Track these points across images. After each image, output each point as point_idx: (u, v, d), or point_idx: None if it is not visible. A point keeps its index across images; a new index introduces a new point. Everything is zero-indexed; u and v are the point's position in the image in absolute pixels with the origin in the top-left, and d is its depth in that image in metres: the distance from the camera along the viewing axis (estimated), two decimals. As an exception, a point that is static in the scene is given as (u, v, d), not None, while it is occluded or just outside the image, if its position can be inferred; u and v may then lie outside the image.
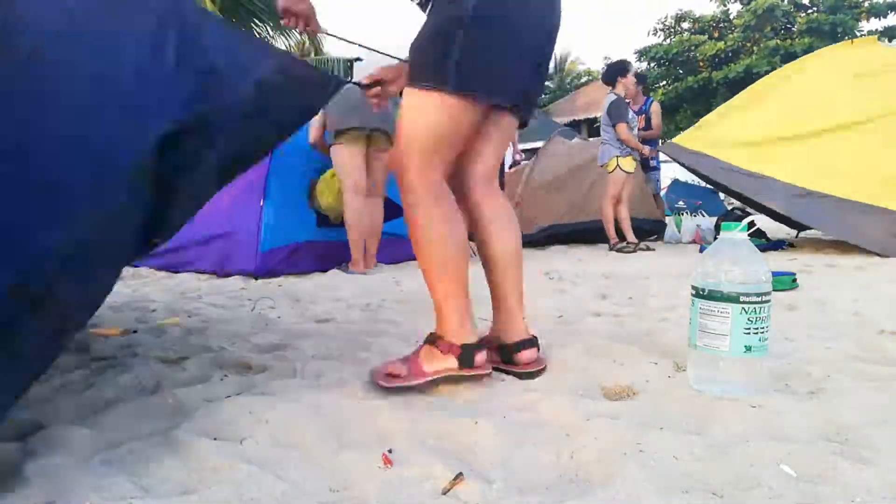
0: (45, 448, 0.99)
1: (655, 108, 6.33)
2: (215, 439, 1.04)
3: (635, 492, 0.84)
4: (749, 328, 1.21)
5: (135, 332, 1.94)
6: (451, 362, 1.32)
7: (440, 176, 1.34)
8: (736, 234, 1.27)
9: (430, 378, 1.30)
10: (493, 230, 1.47)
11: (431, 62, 1.31)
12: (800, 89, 4.50)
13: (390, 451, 0.98)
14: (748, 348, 1.21)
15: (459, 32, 1.27)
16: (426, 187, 1.31)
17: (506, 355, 1.45)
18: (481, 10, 1.27)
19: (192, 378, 1.42)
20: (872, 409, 1.12)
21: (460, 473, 0.89)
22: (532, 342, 1.47)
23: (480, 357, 1.35)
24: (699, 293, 1.27)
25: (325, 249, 3.83)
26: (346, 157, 3.64)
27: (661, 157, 6.27)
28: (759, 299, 1.21)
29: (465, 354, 1.33)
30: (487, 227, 1.47)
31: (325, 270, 3.71)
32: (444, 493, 0.86)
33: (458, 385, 1.33)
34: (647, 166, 6.20)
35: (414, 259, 4.32)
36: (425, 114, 1.31)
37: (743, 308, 1.20)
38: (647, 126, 6.21)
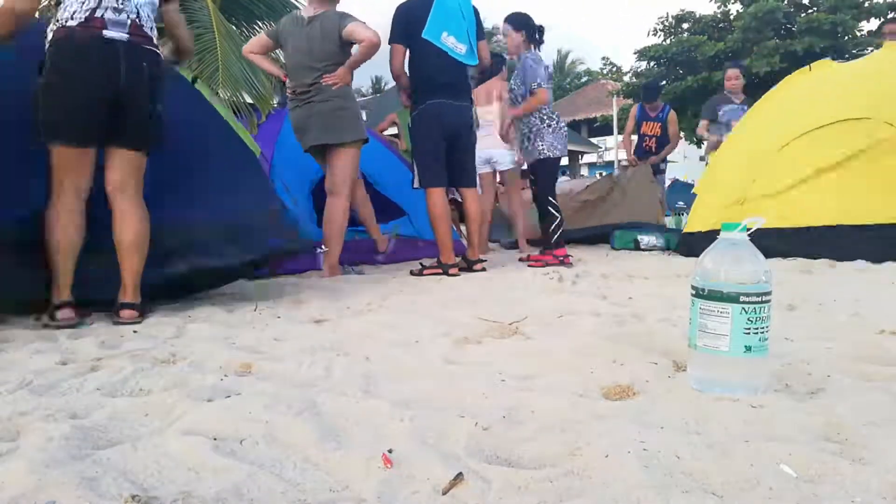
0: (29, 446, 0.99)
1: (672, 117, 6.38)
2: (215, 439, 1.04)
3: (635, 492, 0.84)
4: (749, 328, 1.21)
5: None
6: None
7: None
8: (736, 234, 1.27)
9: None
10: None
11: None
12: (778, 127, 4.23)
13: (390, 451, 0.98)
14: (748, 348, 1.21)
15: None
16: None
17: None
18: None
19: (192, 378, 1.42)
20: (872, 409, 1.12)
21: (460, 473, 0.89)
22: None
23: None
24: (699, 293, 1.27)
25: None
26: None
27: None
28: (759, 299, 1.21)
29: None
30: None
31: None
32: (444, 493, 0.86)
33: (459, 386, 1.33)
34: (657, 171, 6.24)
35: (413, 259, 4.33)
36: None
37: (743, 308, 1.20)
38: (664, 133, 6.25)
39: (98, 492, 0.86)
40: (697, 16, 15.98)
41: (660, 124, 6.25)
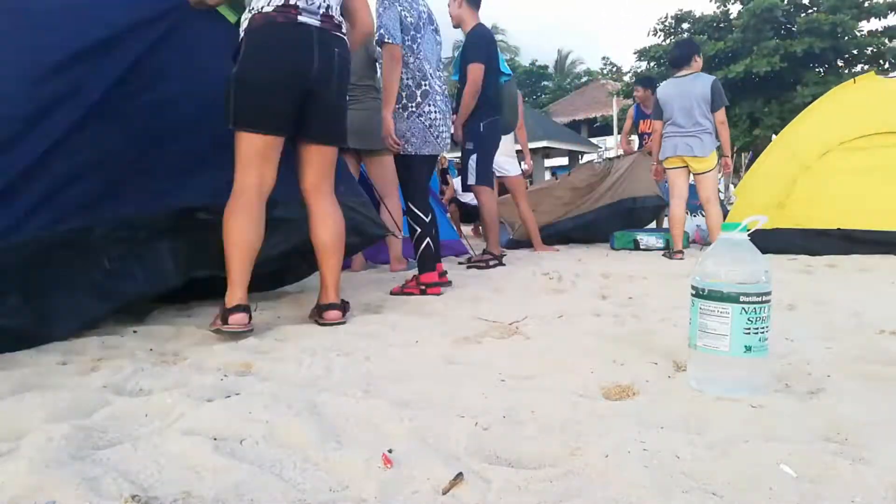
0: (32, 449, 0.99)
1: None
2: (215, 439, 1.04)
3: (635, 492, 0.84)
4: (749, 328, 1.21)
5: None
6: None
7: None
8: (736, 234, 1.27)
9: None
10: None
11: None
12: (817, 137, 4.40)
13: (390, 451, 0.98)
14: (748, 348, 1.21)
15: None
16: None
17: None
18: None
19: (191, 377, 1.42)
20: (872, 409, 1.12)
21: (460, 473, 0.89)
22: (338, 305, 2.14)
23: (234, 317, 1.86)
24: (699, 293, 1.27)
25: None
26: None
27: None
28: (759, 299, 1.21)
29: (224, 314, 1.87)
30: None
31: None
32: (444, 493, 0.86)
33: (459, 386, 1.33)
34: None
35: (412, 259, 4.33)
36: None
37: (743, 308, 1.20)
38: None
39: (98, 492, 0.86)
40: (697, 16, 15.98)
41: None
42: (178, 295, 2.59)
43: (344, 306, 2.16)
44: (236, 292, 1.91)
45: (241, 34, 2.00)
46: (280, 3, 1.96)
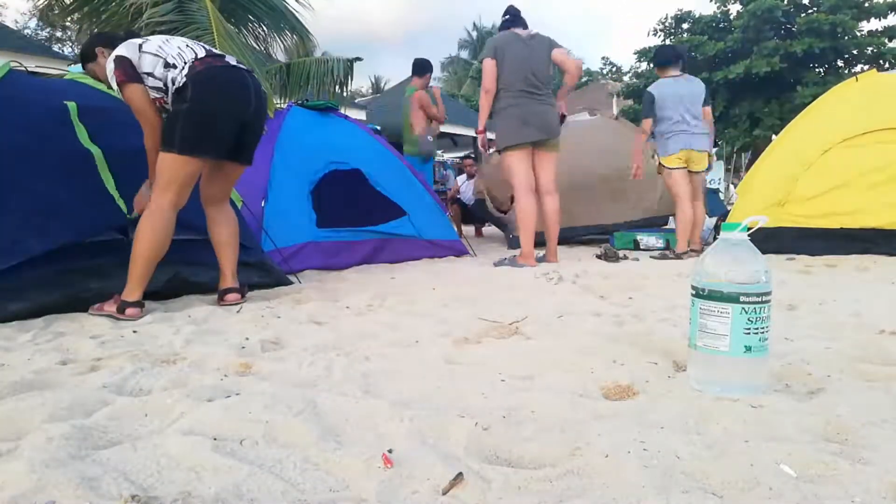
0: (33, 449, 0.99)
1: None
2: (215, 439, 1.04)
3: (635, 492, 0.84)
4: (749, 328, 1.21)
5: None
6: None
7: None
8: (736, 234, 1.27)
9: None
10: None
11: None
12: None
13: (390, 451, 0.98)
14: (748, 348, 1.21)
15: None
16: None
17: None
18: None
19: (191, 377, 1.42)
20: (872, 409, 1.12)
21: (460, 473, 0.89)
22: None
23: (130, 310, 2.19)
24: (699, 293, 1.27)
25: (327, 250, 3.82)
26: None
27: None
28: (759, 299, 1.21)
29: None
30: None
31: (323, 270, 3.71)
32: (444, 493, 0.86)
33: (459, 386, 1.33)
34: None
35: (413, 259, 4.31)
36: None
37: (743, 308, 1.20)
38: None
39: (98, 492, 0.86)
40: (697, 16, 15.99)
41: None
42: (177, 295, 2.60)
43: (241, 289, 2.55)
44: (137, 291, 2.24)
45: (182, 80, 2.28)
46: (204, 55, 2.36)
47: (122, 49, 2.29)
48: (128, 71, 2.27)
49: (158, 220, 2.26)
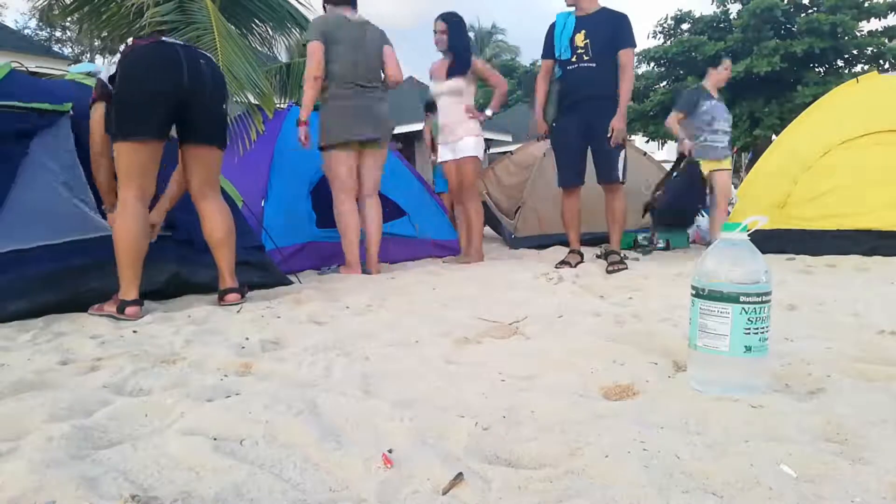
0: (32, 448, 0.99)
1: None
2: (215, 439, 1.04)
3: (635, 492, 0.84)
4: (749, 328, 1.21)
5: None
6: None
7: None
8: (736, 235, 1.27)
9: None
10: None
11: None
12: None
13: (390, 451, 0.98)
14: (748, 348, 1.21)
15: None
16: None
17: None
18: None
19: (192, 378, 1.42)
20: (872, 409, 1.12)
21: (460, 473, 0.89)
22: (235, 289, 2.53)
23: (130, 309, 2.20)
24: (699, 293, 1.27)
25: (326, 250, 3.83)
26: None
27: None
28: (759, 299, 1.21)
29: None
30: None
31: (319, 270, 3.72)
32: (444, 493, 0.86)
33: (459, 386, 1.33)
34: None
35: (413, 259, 4.31)
36: None
37: (743, 308, 1.20)
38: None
39: (98, 492, 0.86)
40: (696, 16, 15.99)
41: None
42: (177, 295, 2.60)
43: (241, 289, 2.53)
44: (131, 288, 2.24)
45: (114, 69, 2.31)
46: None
47: None
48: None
49: (128, 214, 2.26)
